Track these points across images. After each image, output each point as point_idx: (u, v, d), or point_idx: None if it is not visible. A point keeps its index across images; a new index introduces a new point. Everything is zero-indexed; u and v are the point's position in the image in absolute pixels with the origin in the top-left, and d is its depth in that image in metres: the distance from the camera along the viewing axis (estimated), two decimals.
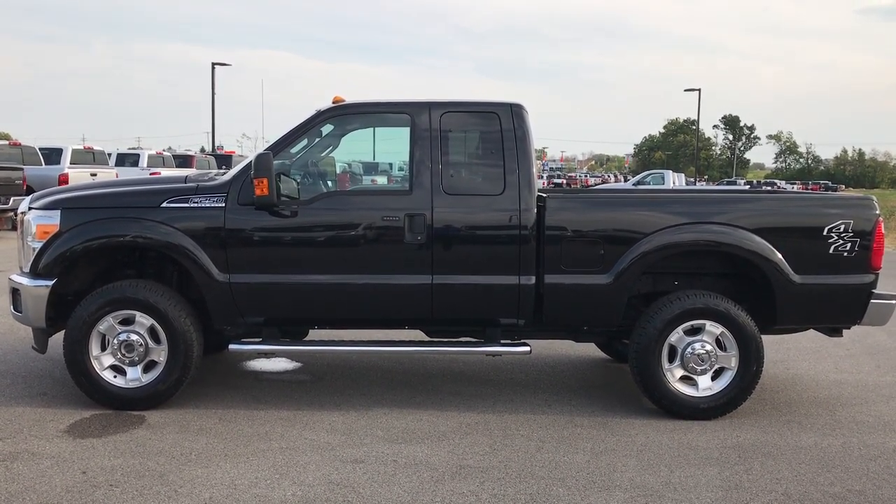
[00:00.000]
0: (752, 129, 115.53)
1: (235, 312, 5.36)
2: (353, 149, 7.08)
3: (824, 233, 5.34)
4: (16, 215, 8.56)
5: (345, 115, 5.66)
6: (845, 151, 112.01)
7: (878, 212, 5.46)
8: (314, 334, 6.11)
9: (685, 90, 52.98)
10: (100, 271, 5.68)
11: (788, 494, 4.19)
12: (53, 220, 5.32)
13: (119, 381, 5.33)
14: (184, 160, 26.35)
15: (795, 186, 60.26)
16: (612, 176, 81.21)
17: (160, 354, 5.31)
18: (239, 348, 5.54)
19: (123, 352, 5.30)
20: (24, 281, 5.35)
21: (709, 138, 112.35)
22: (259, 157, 5.11)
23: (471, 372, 6.58)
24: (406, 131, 5.42)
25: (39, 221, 5.36)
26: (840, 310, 5.49)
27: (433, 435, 5.02)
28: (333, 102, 5.62)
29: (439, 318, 5.46)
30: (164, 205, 5.30)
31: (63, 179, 17.67)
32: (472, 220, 5.33)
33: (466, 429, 5.14)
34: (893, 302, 5.50)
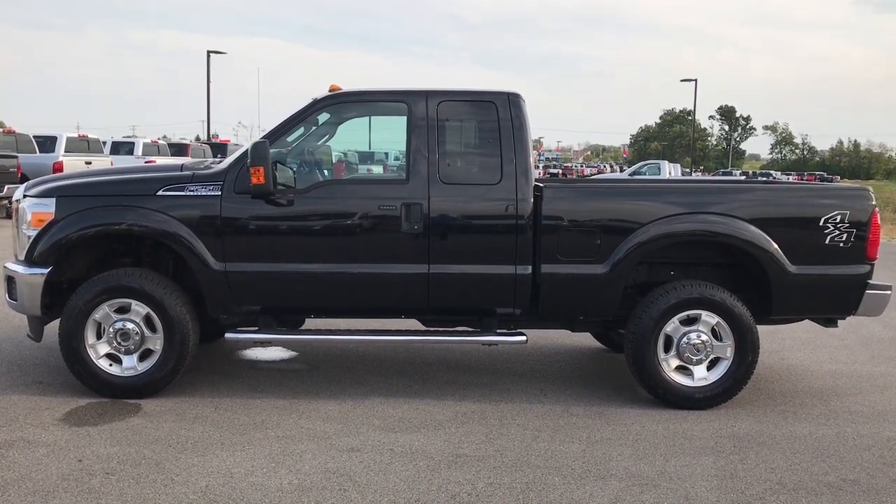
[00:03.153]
0: (747, 119, 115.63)
1: (231, 301, 5.35)
2: (350, 138, 7.07)
3: (820, 223, 5.35)
4: (10, 203, 8.50)
5: (341, 104, 5.65)
6: (841, 142, 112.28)
7: (874, 203, 5.46)
8: (310, 323, 6.11)
9: (681, 81, 52.85)
10: (95, 259, 5.67)
11: (783, 483, 4.21)
12: (49, 207, 5.30)
13: (115, 370, 5.32)
14: (179, 149, 26.23)
15: (791, 177, 60.29)
16: (608, 166, 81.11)
17: (156, 343, 5.31)
18: (235, 337, 5.53)
19: (119, 340, 5.29)
20: (19, 269, 5.34)
21: (705, 129, 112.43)
22: (255, 146, 5.09)
23: (467, 361, 6.59)
24: (403, 120, 5.41)
25: (34, 209, 5.34)
26: (835, 300, 5.51)
27: (429, 424, 5.02)
28: (330, 91, 5.60)
29: (436, 308, 5.46)
30: (159, 193, 5.28)
31: (58, 167, 17.59)
32: (468, 210, 5.32)
33: (462, 418, 5.15)
34: (888, 292, 5.51)
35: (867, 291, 5.43)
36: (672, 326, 5.36)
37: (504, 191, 5.28)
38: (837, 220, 5.34)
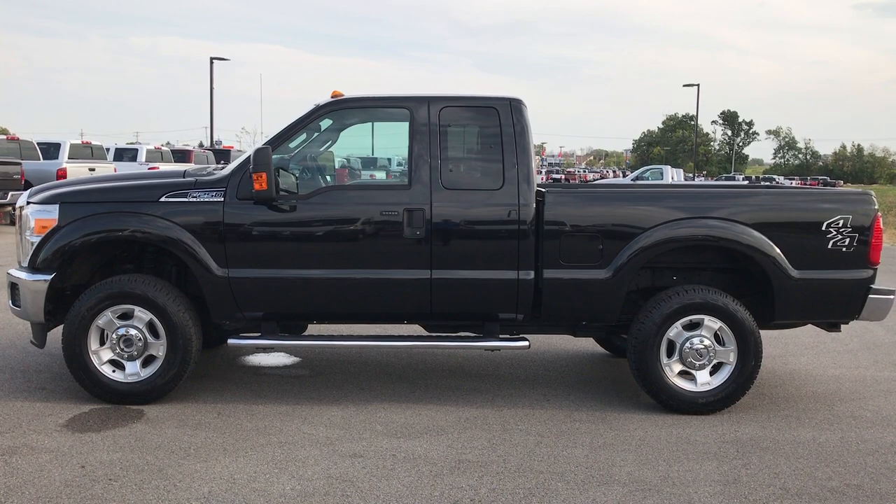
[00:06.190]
0: (750, 124, 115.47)
1: (234, 307, 5.36)
2: (352, 143, 7.08)
3: (823, 228, 5.34)
4: (14, 210, 8.52)
5: (343, 110, 5.66)
6: (844, 147, 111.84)
7: (876, 207, 5.46)
8: (313, 329, 6.12)
9: (684, 85, 52.98)
10: (98, 266, 5.68)
11: (786, 489, 4.19)
12: (52, 214, 5.31)
13: (118, 376, 5.33)
14: (182, 155, 26.28)
15: (794, 182, 60.25)
16: (610, 171, 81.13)
17: (159, 349, 5.31)
18: (238, 343, 5.53)
19: (122, 346, 5.29)
20: (23, 275, 5.35)
21: (707, 134, 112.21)
22: (258, 152, 5.10)
23: (469, 367, 6.59)
24: (405, 126, 5.42)
25: (38, 216, 5.35)
26: (838, 305, 5.50)
27: (432, 429, 5.02)
28: (332, 97, 5.61)
29: (438, 313, 5.46)
30: (162, 199, 5.29)
31: (61, 174, 17.66)
32: (470, 215, 5.33)
33: (465, 423, 5.15)
34: (891, 297, 5.50)
35: (870, 296, 5.42)
36: (675, 331, 5.35)
37: (506, 196, 5.29)
38: (840, 225, 5.33)
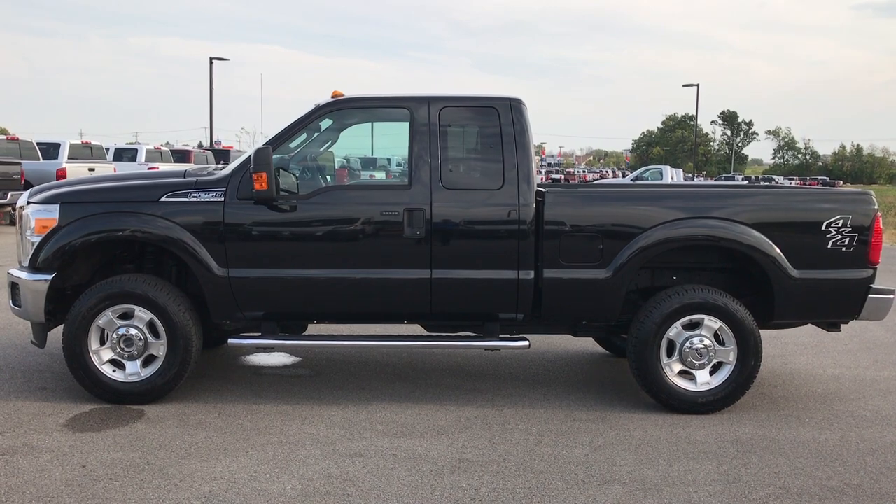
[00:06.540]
0: (750, 124, 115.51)
1: (234, 307, 5.36)
2: (352, 143, 7.09)
3: (822, 228, 5.35)
4: (14, 210, 8.53)
5: (343, 110, 5.67)
6: (843, 147, 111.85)
7: (876, 207, 5.46)
8: (313, 329, 6.12)
9: (683, 86, 53.02)
10: (99, 265, 5.68)
11: (786, 488, 4.20)
12: (52, 214, 5.32)
13: (118, 376, 5.33)
14: (182, 155, 26.27)
15: (794, 182, 60.26)
16: (610, 171, 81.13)
17: (159, 349, 5.31)
18: (238, 343, 5.53)
19: (122, 346, 5.30)
20: (23, 275, 5.35)
21: (707, 134, 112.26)
22: (258, 152, 5.11)
23: (469, 366, 6.59)
24: (405, 126, 5.42)
25: (38, 216, 5.36)
26: (838, 305, 5.50)
27: (432, 429, 5.03)
28: (332, 97, 5.62)
29: (438, 313, 5.46)
30: (162, 199, 5.30)
31: (61, 174, 17.65)
32: (470, 215, 5.33)
33: (465, 423, 5.15)
34: (891, 297, 5.51)
35: (870, 296, 5.43)
36: (675, 331, 5.36)
37: (506, 196, 5.29)
38: (840, 225, 5.34)
